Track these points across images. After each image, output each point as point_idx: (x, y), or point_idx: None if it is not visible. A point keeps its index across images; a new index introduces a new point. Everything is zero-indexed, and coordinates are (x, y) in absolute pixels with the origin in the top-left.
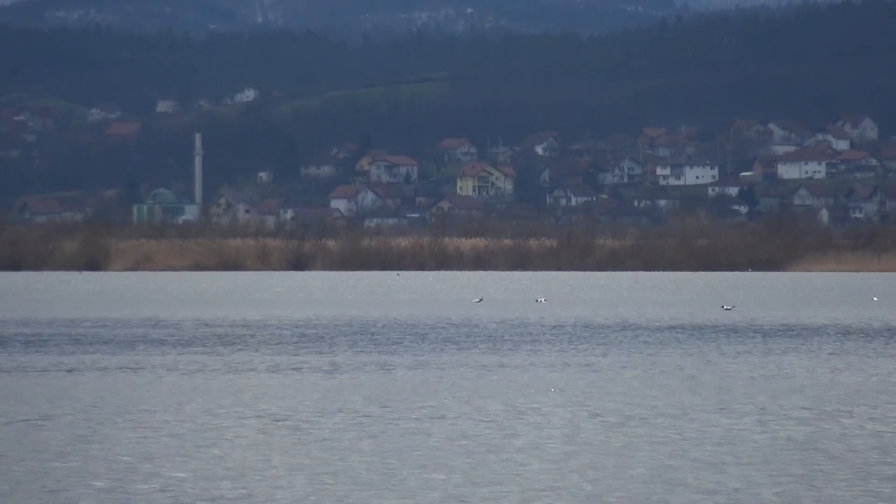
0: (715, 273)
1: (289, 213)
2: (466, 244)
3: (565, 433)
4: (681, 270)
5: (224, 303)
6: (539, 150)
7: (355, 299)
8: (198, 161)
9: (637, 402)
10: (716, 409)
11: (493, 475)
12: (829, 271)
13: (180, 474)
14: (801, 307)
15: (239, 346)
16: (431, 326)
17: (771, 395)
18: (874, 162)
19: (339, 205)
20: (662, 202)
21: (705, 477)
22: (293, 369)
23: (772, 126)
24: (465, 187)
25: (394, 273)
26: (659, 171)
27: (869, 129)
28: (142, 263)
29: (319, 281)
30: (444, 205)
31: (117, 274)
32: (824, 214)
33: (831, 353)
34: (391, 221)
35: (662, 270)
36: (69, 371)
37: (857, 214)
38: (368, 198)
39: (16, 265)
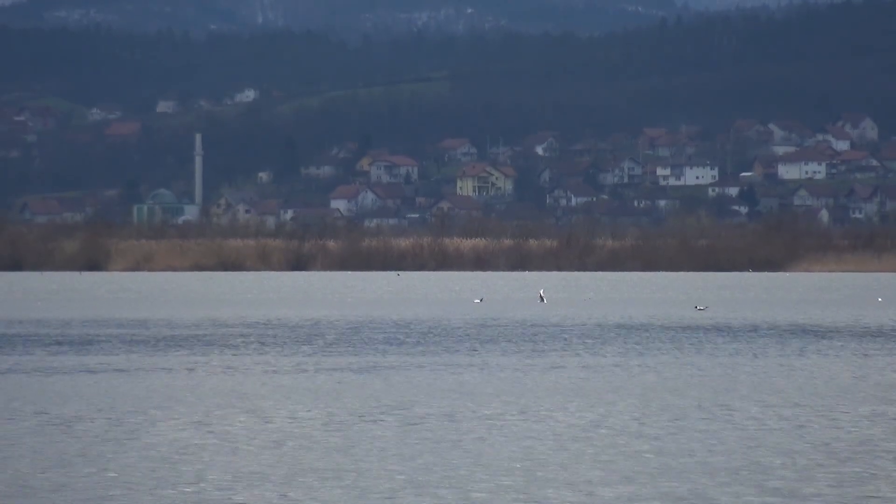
0: (715, 273)
1: (289, 214)
2: (466, 244)
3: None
4: (681, 271)
5: (227, 303)
6: (539, 150)
7: (358, 300)
8: (198, 161)
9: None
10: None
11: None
12: (830, 272)
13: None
14: (810, 308)
15: (249, 347)
16: (436, 327)
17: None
18: (874, 162)
19: (340, 205)
20: (662, 202)
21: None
22: (311, 370)
23: (772, 126)
24: (466, 187)
25: (394, 273)
26: (659, 171)
27: (869, 129)
28: (142, 264)
29: (320, 281)
30: (445, 205)
31: (117, 274)
32: (824, 215)
33: (845, 353)
34: (391, 222)
35: (662, 271)
36: (116, 370)
37: (857, 215)
38: (369, 198)
39: (16, 265)
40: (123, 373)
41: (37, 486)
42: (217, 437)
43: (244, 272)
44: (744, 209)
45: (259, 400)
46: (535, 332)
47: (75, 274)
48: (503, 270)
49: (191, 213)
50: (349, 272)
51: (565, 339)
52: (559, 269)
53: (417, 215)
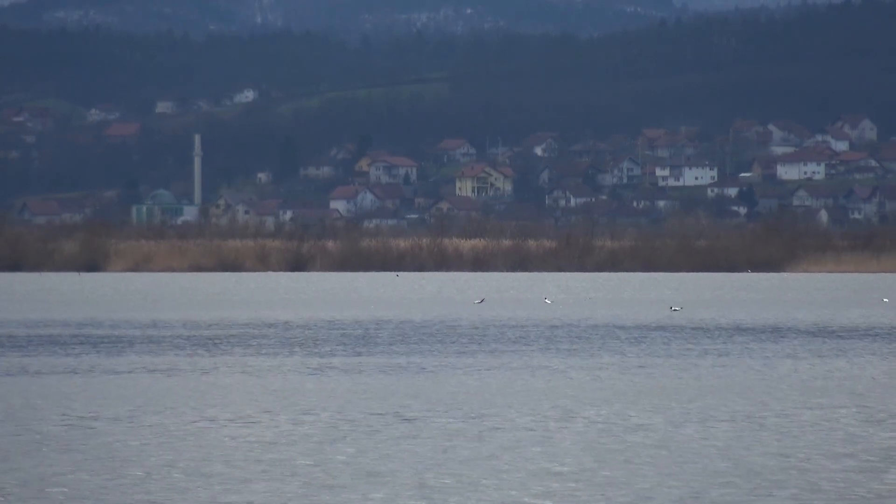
0: (714, 274)
1: (288, 214)
2: (466, 245)
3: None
4: (680, 271)
5: (231, 304)
6: (538, 150)
7: (360, 301)
8: (197, 162)
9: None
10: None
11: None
12: (829, 272)
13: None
14: (817, 309)
15: (255, 348)
16: (443, 327)
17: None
18: (873, 163)
19: (339, 206)
20: (661, 203)
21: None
22: (320, 370)
23: (771, 127)
24: (465, 188)
25: (393, 274)
26: (658, 171)
27: (868, 129)
28: (141, 264)
29: (320, 282)
30: (444, 206)
31: (117, 275)
32: (823, 215)
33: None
34: (390, 222)
35: (661, 271)
36: (132, 372)
37: (856, 215)
38: (368, 199)
39: (15, 266)
40: (154, 373)
41: (71, 487)
42: (244, 436)
43: (244, 273)
44: (743, 210)
45: (281, 400)
46: (542, 332)
47: (73, 275)
48: (502, 271)
49: (190, 213)
50: (348, 273)
51: (575, 340)
52: (558, 269)
53: (416, 216)
